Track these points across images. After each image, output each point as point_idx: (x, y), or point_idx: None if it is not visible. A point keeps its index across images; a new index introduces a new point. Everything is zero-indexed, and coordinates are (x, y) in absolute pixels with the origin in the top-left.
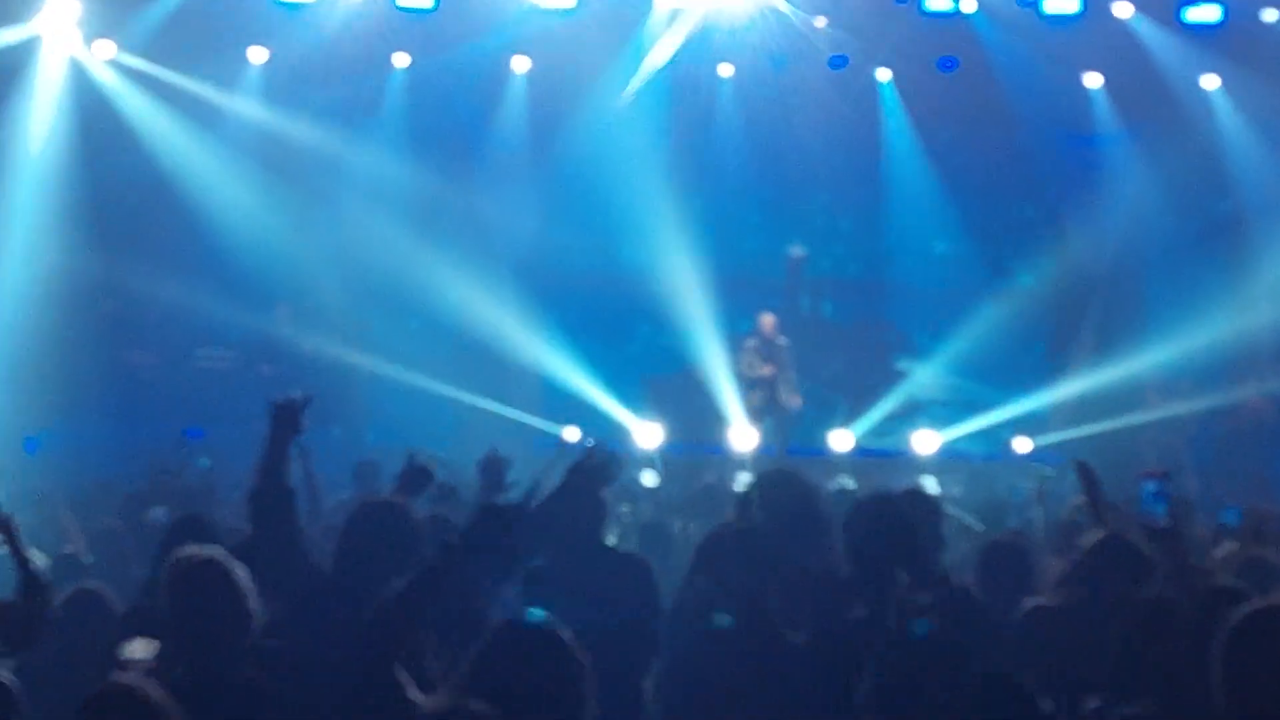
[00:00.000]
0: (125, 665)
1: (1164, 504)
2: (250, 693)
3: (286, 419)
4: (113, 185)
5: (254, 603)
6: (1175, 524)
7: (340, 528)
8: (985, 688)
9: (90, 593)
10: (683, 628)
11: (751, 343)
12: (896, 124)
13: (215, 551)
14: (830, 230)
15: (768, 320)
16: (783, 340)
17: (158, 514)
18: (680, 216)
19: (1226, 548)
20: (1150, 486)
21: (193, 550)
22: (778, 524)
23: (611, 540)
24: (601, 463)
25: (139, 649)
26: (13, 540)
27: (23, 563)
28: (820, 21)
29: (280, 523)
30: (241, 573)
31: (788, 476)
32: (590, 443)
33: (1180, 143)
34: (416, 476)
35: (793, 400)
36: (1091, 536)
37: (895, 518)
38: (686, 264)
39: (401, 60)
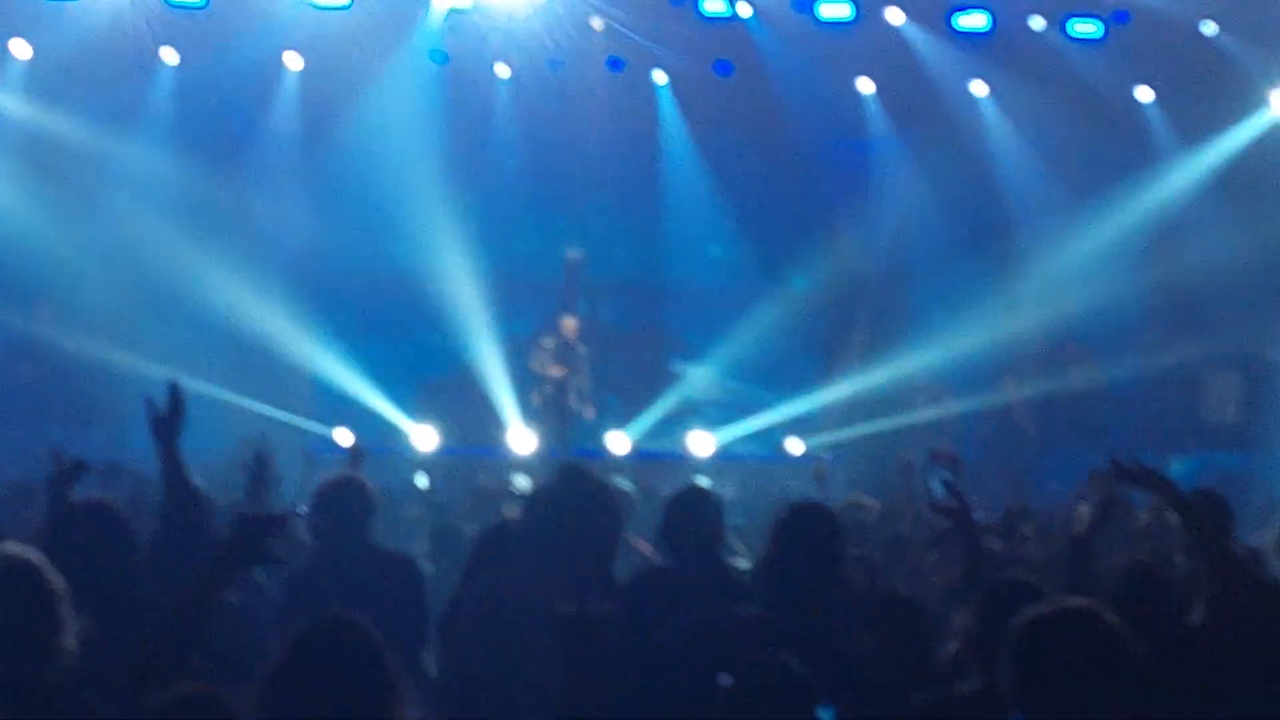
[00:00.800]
0: None
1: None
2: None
3: (165, 422)
4: None
5: (64, 609)
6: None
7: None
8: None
9: None
10: (460, 627)
11: (549, 341)
12: (673, 127)
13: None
14: (608, 233)
15: (570, 323)
16: (583, 348)
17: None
18: (456, 217)
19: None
20: (942, 473)
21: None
22: (568, 520)
23: (419, 545)
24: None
25: None
26: None
27: None
28: (597, 23)
29: (194, 528)
30: (54, 577)
31: (582, 472)
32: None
33: (950, 148)
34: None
35: (586, 409)
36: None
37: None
38: (462, 265)
39: (171, 57)
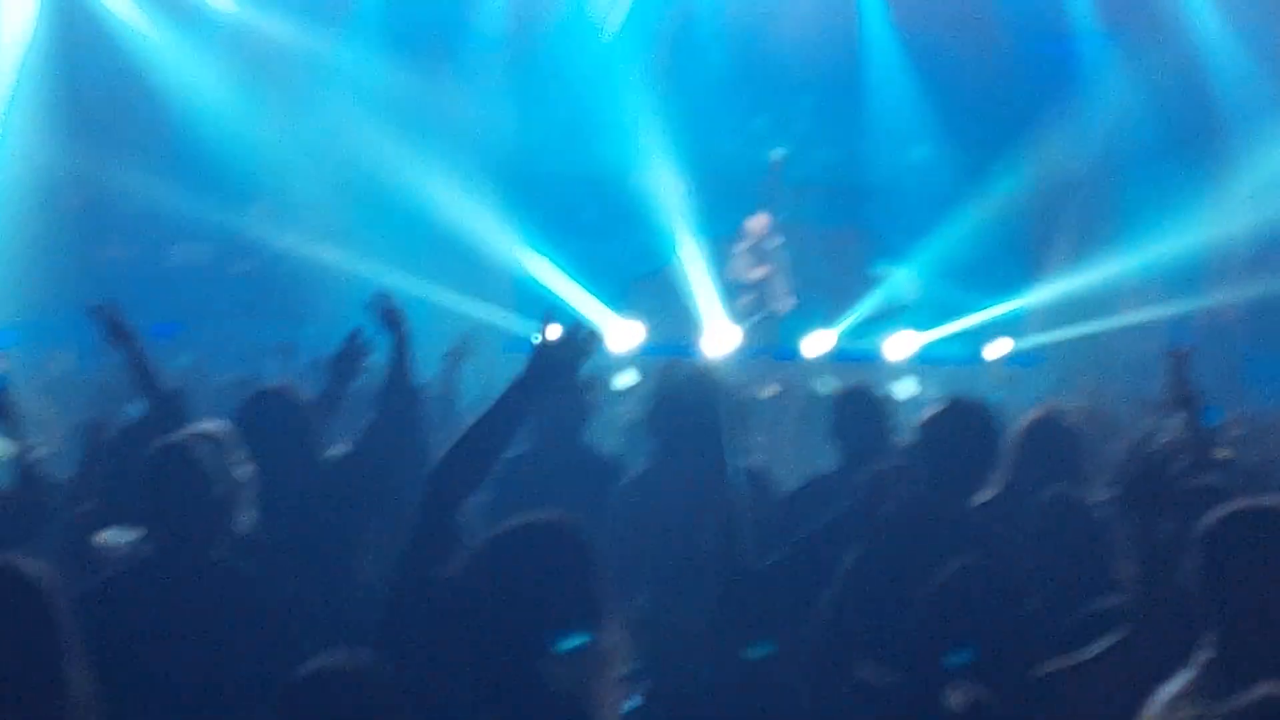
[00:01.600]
0: (102, 554)
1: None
2: (229, 579)
3: (395, 319)
4: (88, 79)
5: (224, 489)
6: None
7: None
8: (964, 579)
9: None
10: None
11: (742, 246)
12: (878, 25)
13: (188, 438)
14: (811, 133)
15: (759, 221)
16: (775, 241)
17: (135, 408)
18: (660, 117)
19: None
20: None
21: (167, 436)
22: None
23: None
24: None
25: (114, 536)
26: (12, 428)
27: (24, 454)
28: None
29: (410, 423)
30: (208, 457)
31: (692, 375)
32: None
33: (1161, 45)
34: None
35: (785, 301)
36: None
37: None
38: (666, 165)
39: None
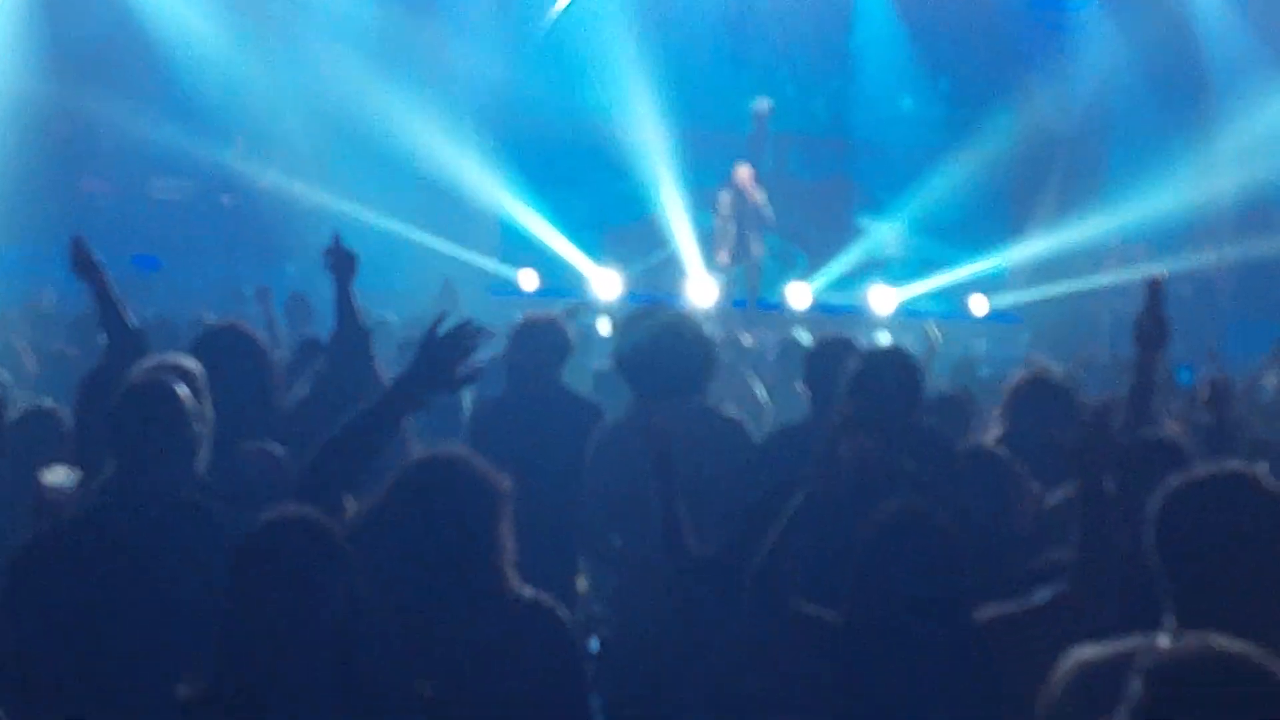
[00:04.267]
0: (47, 494)
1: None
2: (194, 515)
3: (342, 263)
4: (72, 14)
5: (199, 427)
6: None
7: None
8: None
9: (44, 412)
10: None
11: (725, 195)
12: None
13: (163, 374)
14: (797, 84)
15: (744, 171)
16: (760, 194)
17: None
18: (646, 66)
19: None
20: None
21: (141, 372)
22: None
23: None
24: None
25: (58, 476)
26: None
27: None
28: None
29: (360, 365)
30: (186, 394)
31: (660, 323)
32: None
33: (1148, 4)
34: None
35: (757, 249)
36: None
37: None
38: (650, 114)
39: None
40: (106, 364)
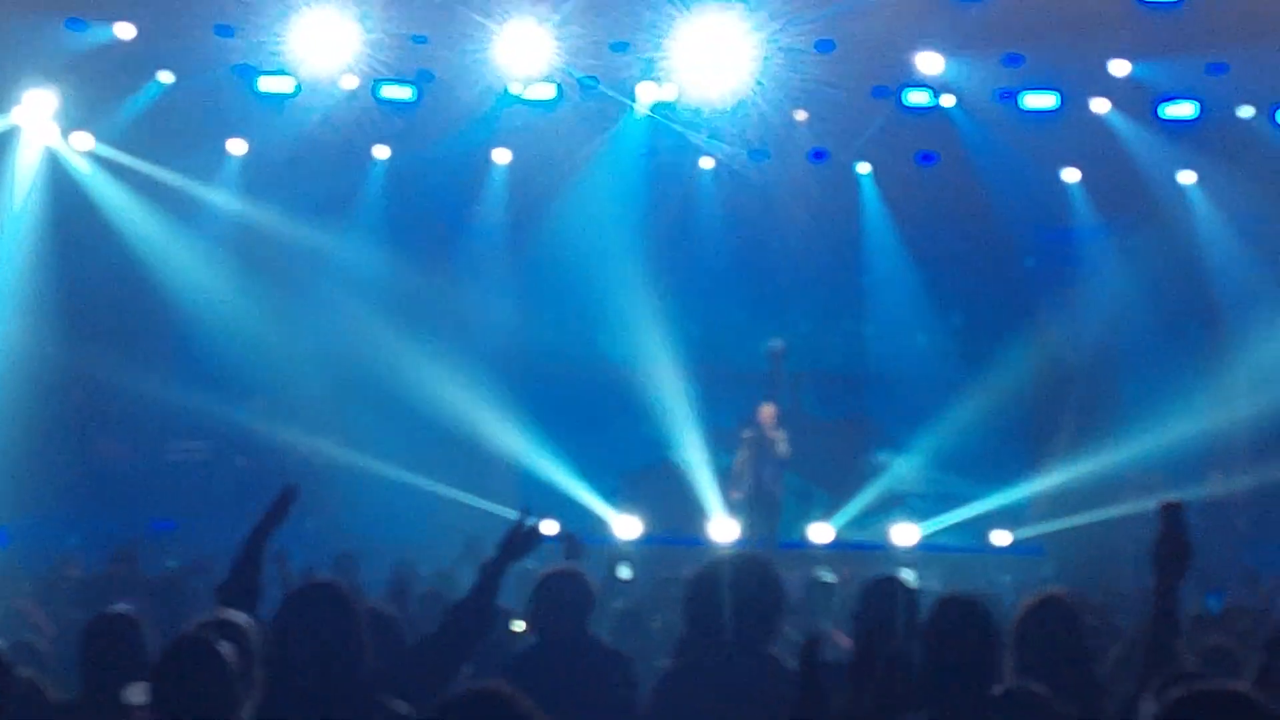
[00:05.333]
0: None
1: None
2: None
3: (276, 511)
4: (88, 275)
5: (241, 687)
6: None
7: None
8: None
9: (28, 681)
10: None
11: (748, 433)
12: (876, 217)
13: (208, 627)
14: (811, 322)
15: (767, 410)
16: (782, 434)
17: (121, 606)
18: (660, 308)
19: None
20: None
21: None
22: (738, 610)
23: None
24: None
25: (136, 693)
26: None
27: None
28: (800, 115)
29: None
30: (229, 652)
31: (749, 560)
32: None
33: (1157, 236)
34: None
35: (777, 490)
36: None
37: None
38: (666, 355)
39: (382, 152)
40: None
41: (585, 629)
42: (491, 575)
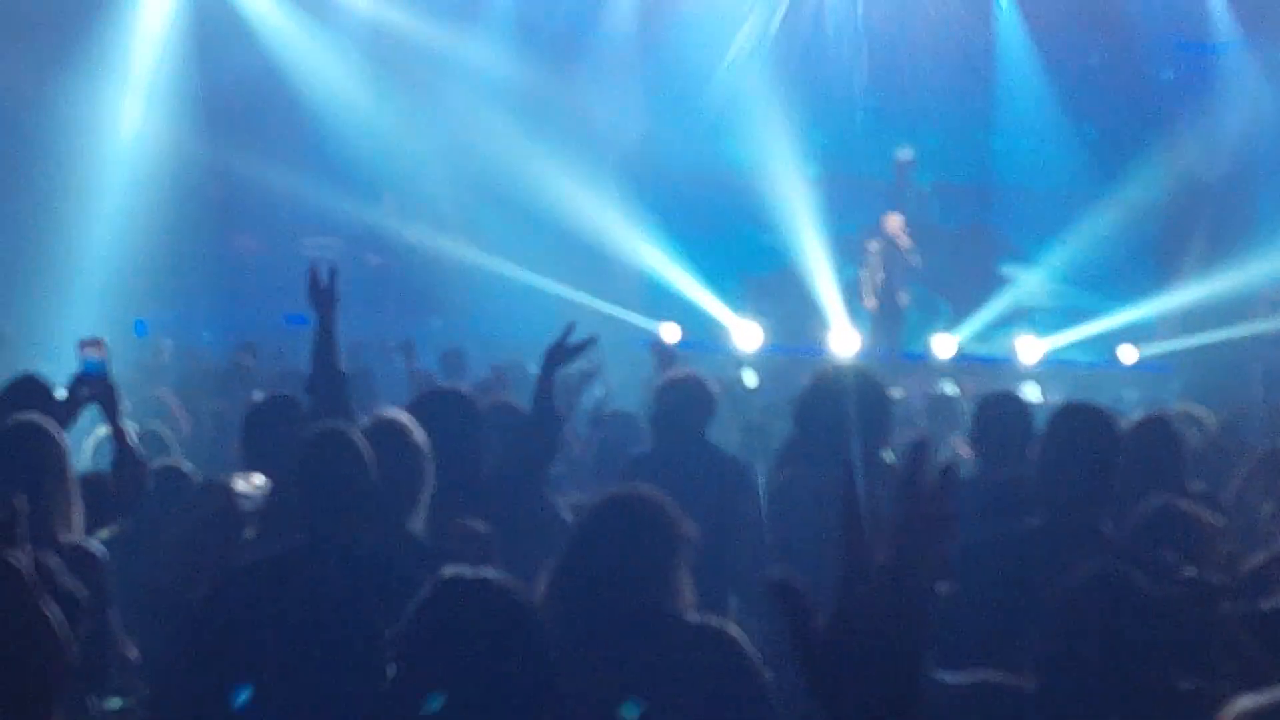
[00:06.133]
0: (238, 502)
1: None
2: (381, 568)
3: (323, 298)
4: (223, 73)
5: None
6: None
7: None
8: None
9: (173, 469)
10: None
11: (874, 244)
12: (1010, 27)
13: (340, 424)
14: (940, 132)
15: (894, 220)
16: (908, 242)
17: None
18: (787, 115)
19: None
20: None
21: (324, 424)
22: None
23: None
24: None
25: (248, 484)
26: (112, 414)
27: (119, 436)
28: None
29: (335, 409)
30: (366, 446)
31: (857, 374)
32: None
33: None
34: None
35: (902, 298)
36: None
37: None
38: (792, 163)
39: None
40: (312, 403)
41: (703, 435)
42: (542, 387)
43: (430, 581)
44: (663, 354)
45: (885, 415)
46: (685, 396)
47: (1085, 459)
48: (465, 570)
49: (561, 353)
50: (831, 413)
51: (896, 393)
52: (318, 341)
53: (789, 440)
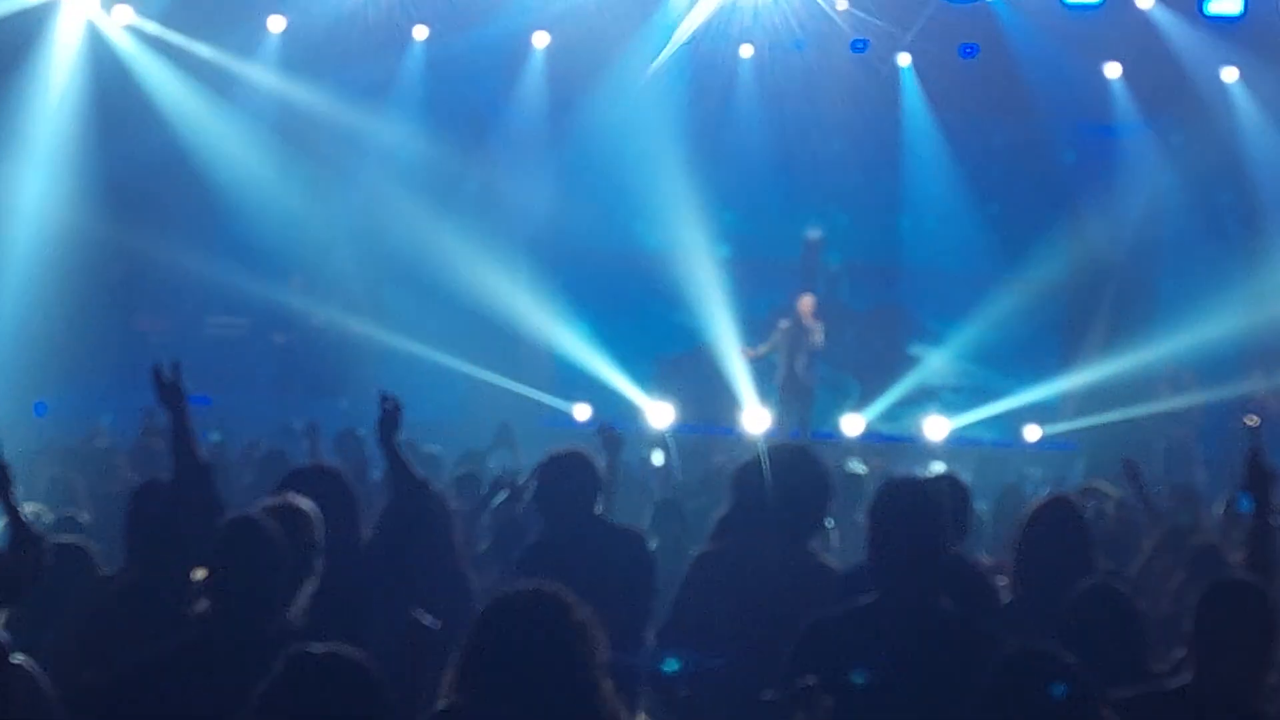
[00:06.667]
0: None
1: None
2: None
3: (170, 395)
4: (127, 150)
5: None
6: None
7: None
8: (1025, 663)
9: (76, 549)
10: (691, 602)
11: (785, 322)
12: (916, 109)
13: (268, 510)
14: (848, 214)
15: (806, 302)
16: (818, 325)
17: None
18: (698, 196)
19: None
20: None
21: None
22: (785, 499)
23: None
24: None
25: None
26: (6, 493)
27: (14, 516)
28: (843, 4)
29: (203, 503)
30: (278, 532)
31: (800, 452)
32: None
33: (1198, 134)
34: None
35: (809, 379)
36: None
37: (929, 502)
38: (703, 244)
39: (421, 33)
40: (172, 491)
41: (590, 511)
42: (387, 456)
43: (281, 658)
44: (609, 439)
45: (823, 490)
46: (566, 472)
47: (906, 533)
48: (315, 646)
49: (391, 421)
50: (766, 487)
51: (859, 468)
52: (174, 438)
53: (724, 514)
